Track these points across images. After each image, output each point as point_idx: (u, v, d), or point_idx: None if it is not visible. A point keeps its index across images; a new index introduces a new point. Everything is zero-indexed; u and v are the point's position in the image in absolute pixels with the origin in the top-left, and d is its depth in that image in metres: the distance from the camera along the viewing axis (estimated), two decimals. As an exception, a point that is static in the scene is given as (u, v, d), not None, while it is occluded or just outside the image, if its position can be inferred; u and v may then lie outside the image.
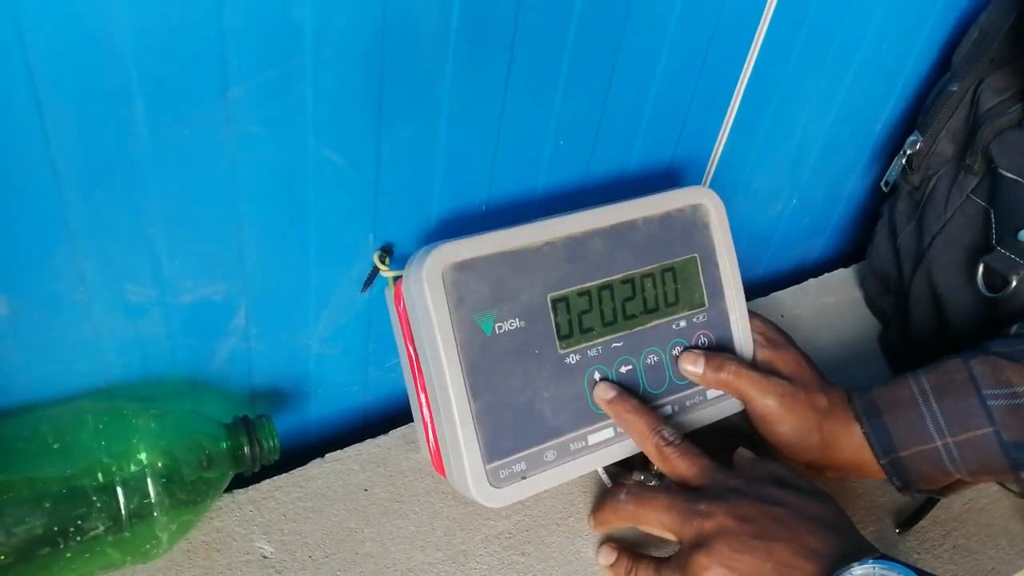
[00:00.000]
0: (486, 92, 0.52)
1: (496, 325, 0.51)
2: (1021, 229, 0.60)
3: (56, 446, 0.46)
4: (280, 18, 0.42)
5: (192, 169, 0.44)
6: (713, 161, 0.68)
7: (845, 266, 0.84)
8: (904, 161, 0.72)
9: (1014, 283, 0.59)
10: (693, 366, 0.57)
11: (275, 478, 0.56)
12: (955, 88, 0.68)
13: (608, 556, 0.54)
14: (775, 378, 0.57)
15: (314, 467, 0.57)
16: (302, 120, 0.46)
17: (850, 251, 0.87)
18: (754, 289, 0.77)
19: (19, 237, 0.43)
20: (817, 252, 0.86)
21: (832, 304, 0.79)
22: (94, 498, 0.45)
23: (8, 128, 0.39)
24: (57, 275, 0.45)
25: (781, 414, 0.55)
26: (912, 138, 0.71)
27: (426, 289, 0.49)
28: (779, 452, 0.57)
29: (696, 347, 0.58)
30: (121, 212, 0.44)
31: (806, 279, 0.82)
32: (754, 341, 0.60)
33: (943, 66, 0.73)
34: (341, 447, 0.60)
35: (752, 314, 0.61)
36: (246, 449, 0.51)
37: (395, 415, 0.64)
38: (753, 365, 0.58)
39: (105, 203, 0.43)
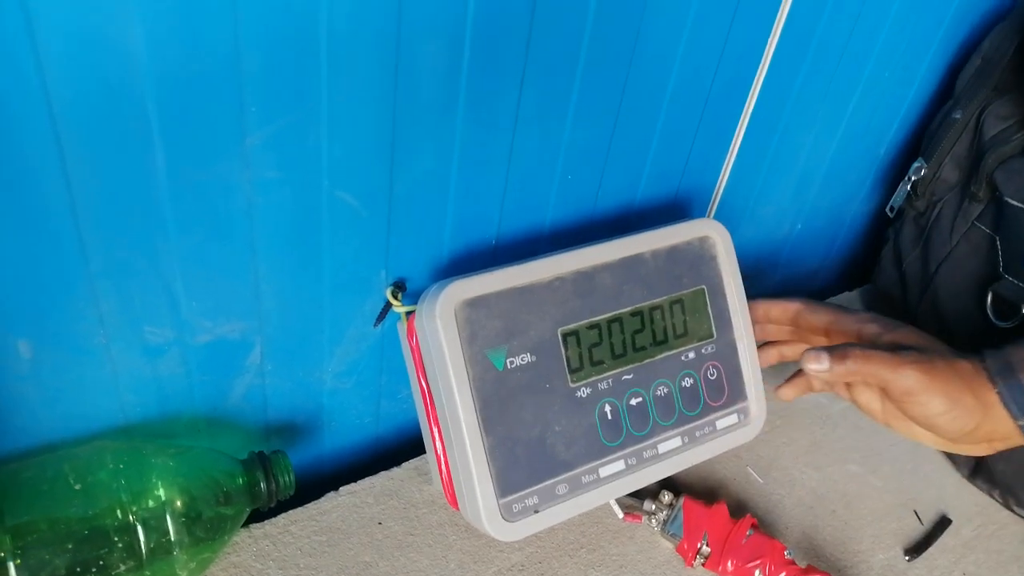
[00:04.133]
0: (496, 130, 0.52)
1: (508, 360, 0.52)
2: (1028, 257, 0.61)
3: (78, 487, 0.46)
4: (296, 65, 0.42)
5: (209, 213, 0.45)
6: (718, 190, 0.69)
7: (850, 289, 0.84)
8: (909, 187, 0.72)
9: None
10: (817, 364, 0.54)
11: (290, 512, 0.56)
12: (959, 116, 0.69)
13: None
14: (905, 351, 0.53)
15: (328, 500, 0.58)
16: (317, 163, 0.47)
17: (855, 275, 0.88)
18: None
19: (40, 281, 0.43)
20: (822, 276, 0.87)
21: (839, 328, 0.79)
22: (115, 538, 0.46)
23: (30, 173, 0.40)
24: (77, 318, 0.46)
25: (924, 382, 0.51)
26: (916, 164, 0.72)
27: (439, 326, 0.50)
28: (934, 433, 0.54)
29: (705, 377, 0.59)
30: (140, 255, 0.45)
31: (812, 303, 0.82)
32: (870, 325, 0.57)
33: (946, 93, 0.74)
34: (354, 478, 0.60)
35: (850, 310, 0.59)
36: (262, 485, 0.52)
37: (407, 446, 0.65)
38: (875, 347, 0.54)
39: (124, 247, 0.44)
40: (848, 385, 0.57)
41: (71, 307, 0.45)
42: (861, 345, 0.54)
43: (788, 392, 0.62)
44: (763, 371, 0.62)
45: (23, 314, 0.44)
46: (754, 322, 0.62)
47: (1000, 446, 0.54)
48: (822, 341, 0.60)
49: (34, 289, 0.44)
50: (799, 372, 0.60)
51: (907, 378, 0.52)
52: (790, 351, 0.63)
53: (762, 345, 0.63)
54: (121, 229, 0.43)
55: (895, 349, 0.53)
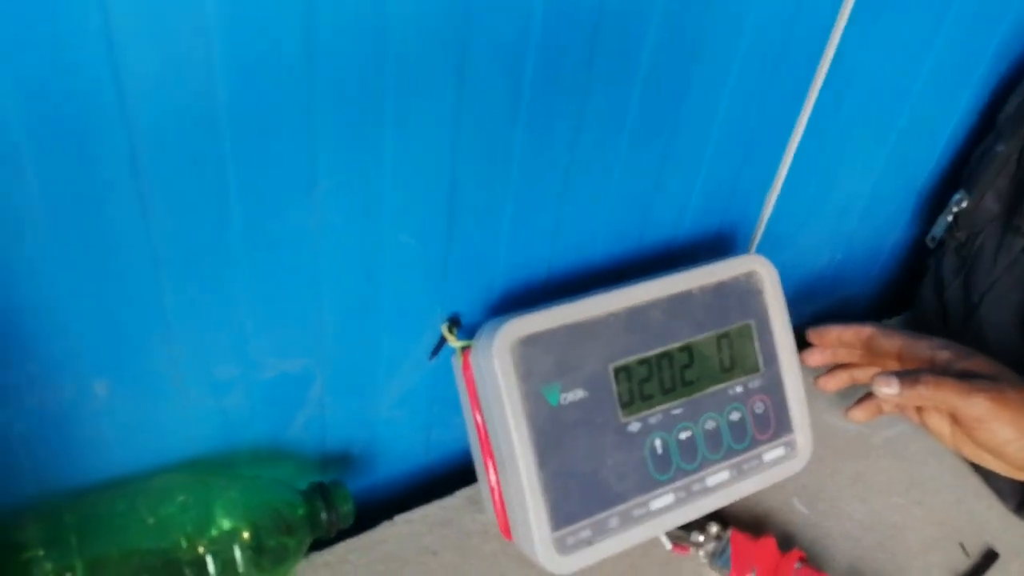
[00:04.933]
0: (549, 171, 0.54)
1: (561, 395, 0.53)
2: (1072, 291, 0.61)
3: (151, 521, 0.48)
4: (364, 119, 0.44)
5: (279, 257, 0.47)
6: (762, 222, 0.70)
7: (889, 316, 0.85)
8: (950, 218, 0.73)
9: (1068, 345, 0.60)
10: (887, 387, 0.55)
11: (348, 541, 0.58)
12: (1001, 149, 0.69)
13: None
14: (977, 379, 0.54)
15: (385, 529, 0.59)
16: (379, 209, 0.48)
17: (895, 303, 0.88)
18: (800, 342, 0.78)
19: (120, 324, 0.45)
20: (862, 304, 0.87)
21: (880, 357, 0.80)
22: (187, 570, 0.48)
23: (115, 225, 0.42)
24: (152, 358, 0.47)
25: (994, 411, 0.52)
26: (958, 196, 0.72)
27: (495, 363, 0.51)
28: (1003, 461, 0.55)
29: (752, 411, 0.60)
30: (213, 299, 0.47)
31: (852, 330, 0.83)
32: (943, 352, 0.58)
33: (985, 126, 0.74)
34: (405, 505, 0.62)
35: (922, 336, 0.60)
36: (323, 515, 0.53)
37: (456, 473, 0.66)
38: (947, 374, 0.55)
39: (199, 291, 0.46)
40: (918, 409, 0.58)
41: (146, 348, 0.47)
42: (933, 371, 0.55)
43: (859, 414, 0.63)
44: (833, 395, 0.63)
45: (101, 355, 0.46)
46: (827, 346, 0.64)
47: None
48: (894, 366, 0.61)
49: (113, 332, 0.45)
50: (869, 395, 0.61)
51: (977, 406, 0.52)
52: (861, 374, 0.64)
53: (833, 368, 0.65)
54: (197, 275, 0.45)
55: (966, 376, 0.54)
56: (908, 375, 0.55)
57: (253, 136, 0.42)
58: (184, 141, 0.41)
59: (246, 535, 0.50)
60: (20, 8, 0.34)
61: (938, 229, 0.75)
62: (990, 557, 0.63)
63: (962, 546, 0.64)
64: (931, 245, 0.76)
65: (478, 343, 0.53)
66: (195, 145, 0.41)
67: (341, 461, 0.61)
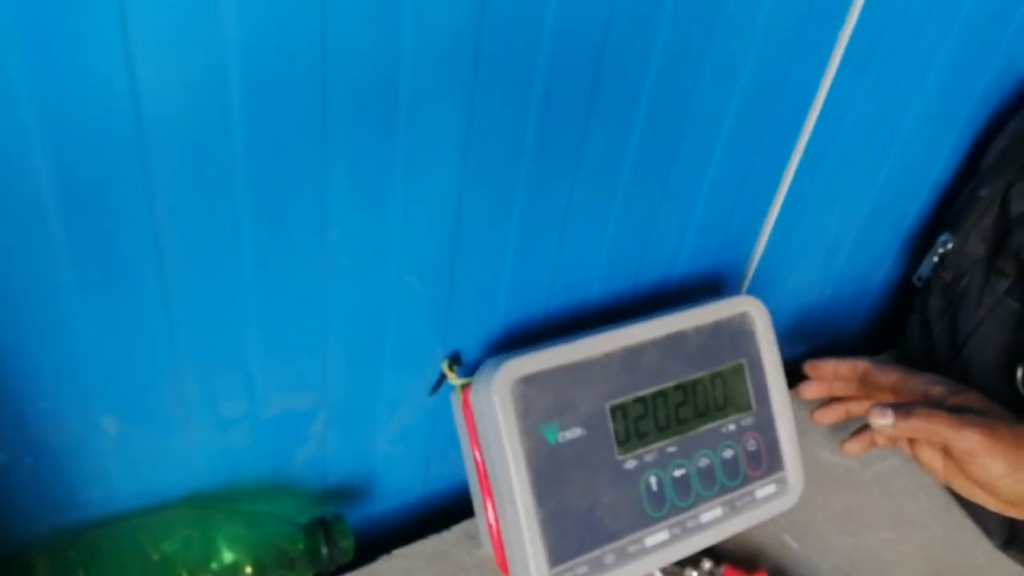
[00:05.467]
0: (550, 214, 0.56)
1: (560, 434, 0.54)
2: (1055, 333, 0.63)
3: (155, 557, 0.49)
4: (375, 168, 0.46)
5: (288, 298, 0.48)
6: (753, 262, 0.72)
7: (877, 353, 0.87)
8: (936, 259, 0.75)
9: (1052, 387, 0.62)
10: (882, 419, 0.57)
11: (347, 575, 0.59)
12: (985, 193, 0.71)
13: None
14: (969, 414, 0.55)
15: (383, 564, 0.60)
16: (387, 252, 0.50)
17: (881, 340, 0.90)
18: (789, 379, 0.80)
19: (130, 362, 0.46)
20: (848, 340, 0.89)
21: (868, 393, 0.82)
22: (191, 605, 0.48)
23: (129, 264, 0.43)
24: (161, 396, 0.49)
25: (986, 445, 0.54)
26: (943, 238, 0.74)
27: (495, 402, 0.52)
28: (993, 496, 0.56)
29: (745, 449, 0.61)
30: (222, 339, 0.48)
31: (841, 366, 0.85)
32: (937, 387, 0.59)
33: (970, 169, 0.76)
34: (403, 539, 0.63)
35: (916, 371, 0.62)
36: (324, 550, 0.54)
37: (454, 506, 0.67)
38: (940, 408, 0.57)
39: (209, 331, 0.47)
40: (911, 443, 0.60)
41: (156, 386, 0.48)
42: (926, 404, 0.57)
43: (853, 447, 0.65)
44: (825, 429, 0.64)
45: (111, 395, 0.47)
46: (823, 379, 0.65)
47: None
48: (889, 399, 0.62)
49: (123, 370, 0.47)
50: (863, 428, 0.63)
51: (969, 439, 0.54)
52: (856, 408, 0.65)
53: (829, 401, 0.66)
54: (208, 317, 0.46)
55: (959, 411, 0.56)
56: (902, 407, 0.56)
57: (267, 180, 0.43)
58: (199, 183, 0.42)
59: (248, 570, 0.51)
60: (43, 47, 0.35)
61: (925, 269, 0.77)
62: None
63: (949, 582, 0.66)
64: (918, 284, 0.78)
65: (478, 382, 0.54)
66: (210, 188, 0.42)
67: (341, 495, 0.62)
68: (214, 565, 0.51)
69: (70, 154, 0.38)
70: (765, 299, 0.64)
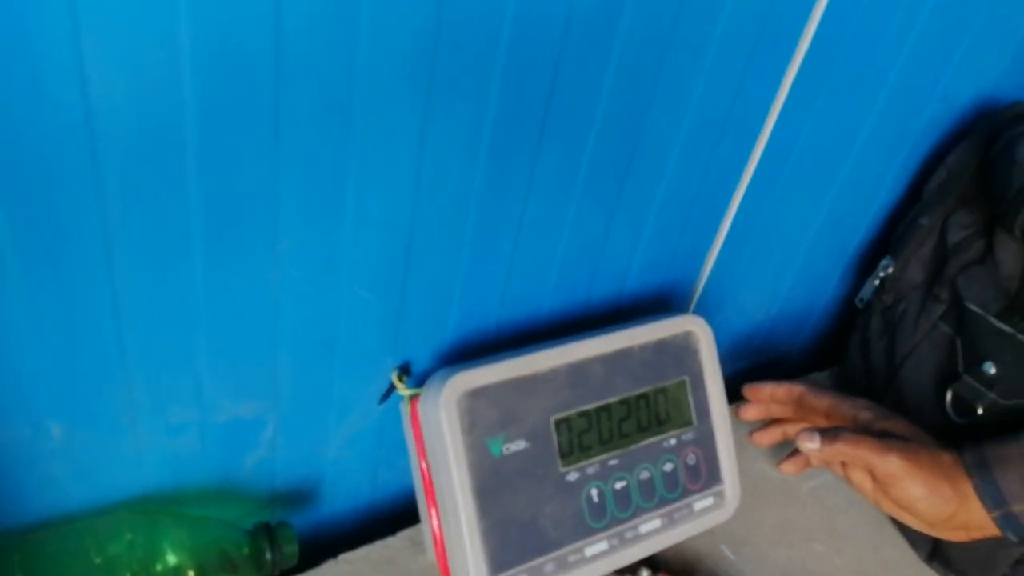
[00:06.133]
0: (501, 232, 0.57)
1: (504, 446, 0.56)
2: (986, 360, 0.66)
3: (98, 560, 0.49)
4: (328, 182, 0.47)
5: (239, 309, 0.49)
6: (701, 281, 0.74)
7: (820, 370, 0.89)
8: (877, 282, 0.78)
9: (980, 411, 0.65)
10: (810, 443, 0.60)
11: (292, 579, 0.60)
12: (925, 221, 0.74)
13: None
14: (892, 439, 0.58)
15: (328, 568, 0.61)
16: (339, 264, 0.51)
17: (824, 357, 0.93)
18: (733, 392, 0.82)
19: (78, 368, 0.47)
20: (793, 358, 0.92)
21: (809, 409, 0.84)
22: (133, 608, 0.49)
23: (78, 269, 0.43)
24: (109, 402, 0.49)
25: (907, 469, 0.56)
26: (885, 262, 0.77)
27: (442, 414, 0.54)
28: (914, 517, 0.59)
29: (685, 463, 0.63)
30: (172, 347, 0.49)
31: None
32: (865, 413, 0.62)
33: (914, 194, 0.79)
34: (352, 543, 0.64)
35: (848, 396, 0.65)
36: (268, 555, 0.55)
37: (402, 512, 0.68)
38: (867, 433, 0.60)
39: (159, 338, 0.48)
40: (843, 465, 0.62)
41: (104, 393, 0.48)
42: (851, 429, 0.60)
43: (789, 468, 0.69)
44: (767, 449, 0.68)
45: (59, 399, 0.47)
46: (761, 402, 0.69)
47: (976, 535, 0.59)
48: (822, 422, 0.65)
49: (71, 377, 0.47)
50: (798, 450, 0.65)
51: (890, 464, 0.57)
52: (792, 430, 0.69)
53: (768, 424, 0.70)
54: (158, 326, 0.47)
55: (884, 436, 0.59)
56: (829, 432, 0.60)
57: (218, 190, 0.44)
58: (151, 191, 0.43)
59: (191, 574, 0.51)
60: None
61: (866, 292, 0.80)
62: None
63: (876, 595, 0.68)
64: (859, 306, 0.81)
65: (426, 394, 0.55)
66: (161, 195, 0.43)
67: (288, 500, 0.62)
68: (158, 568, 0.51)
69: (20, 161, 0.39)
70: (712, 316, 0.66)
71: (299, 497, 0.63)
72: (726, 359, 0.67)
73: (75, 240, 0.42)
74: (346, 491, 0.65)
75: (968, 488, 0.56)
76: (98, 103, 0.38)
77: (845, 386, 0.83)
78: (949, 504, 0.57)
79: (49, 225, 0.41)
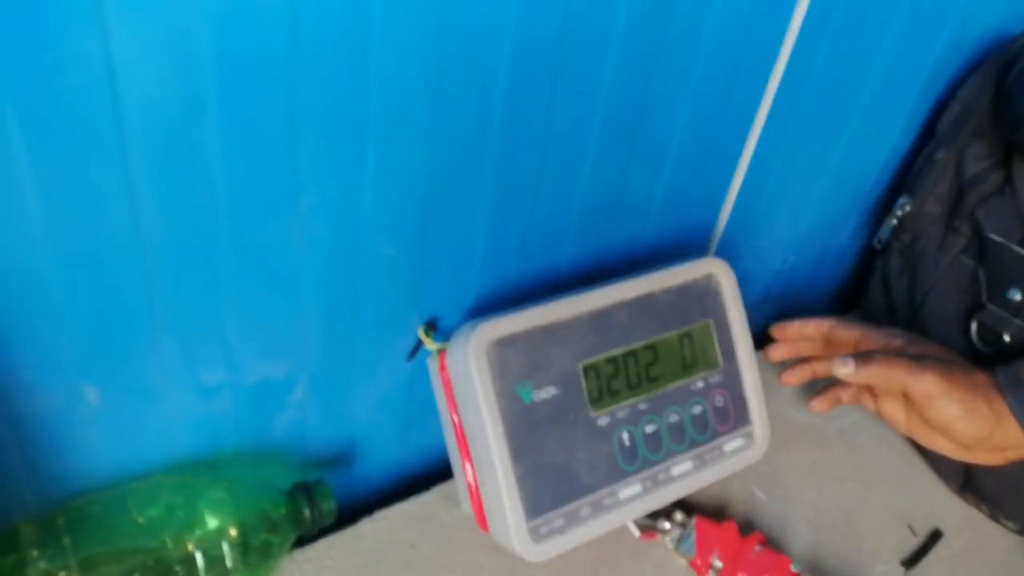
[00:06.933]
0: (520, 183, 0.57)
1: (534, 393, 0.56)
2: (1010, 288, 0.66)
3: (140, 520, 0.50)
4: (346, 133, 0.47)
5: (264, 266, 0.49)
6: (719, 227, 0.74)
7: (840, 315, 0.89)
8: (895, 221, 0.77)
9: (1007, 338, 0.65)
10: (844, 367, 0.59)
11: (330, 537, 0.60)
12: (940, 156, 0.74)
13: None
14: (927, 360, 0.58)
15: (364, 525, 0.62)
16: (361, 219, 0.51)
17: (844, 302, 0.93)
18: (757, 339, 0.82)
19: (111, 332, 0.47)
20: (813, 303, 0.91)
21: (832, 353, 0.84)
22: (177, 567, 0.50)
23: (108, 234, 0.44)
24: (141, 365, 0.49)
25: (943, 387, 0.56)
26: (902, 200, 0.77)
27: (471, 363, 0.54)
28: (951, 439, 0.58)
29: (713, 405, 0.63)
30: (201, 307, 0.49)
31: (806, 329, 0.87)
32: (897, 339, 0.62)
33: (927, 134, 0.79)
34: (384, 504, 0.64)
35: (878, 326, 0.64)
36: (307, 512, 0.56)
37: (433, 471, 0.68)
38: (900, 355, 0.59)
39: (188, 300, 0.48)
40: (875, 397, 0.62)
41: (136, 355, 0.49)
42: (886, 352, 0.59)
43: (819, 405, 0.68)
44: (794, 388, 0.69)
45: (92, 362, 0.48)
46: (789, 340, 0.68)
47: (1012, 456, 0.59)
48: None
49: (104, 339, 0.47)
50: (829, 385, 0.66)
51: (927, 383, 0.57)
52: (822, 367, 0.68)
53: (798, 362, 0.69)
54: (186, 286, 0.47)
55: (918, 358, 0.58)
56: (863, 355, 0.59)
57: (241, 149, 0.44)
58: (175, 153, 0.43)
59: (233, 533, 0.52)
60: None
61: (884, 232, 0.79)
62: (935, 536, 0.67)
63: (910, 527, 0.68)
64: (878, 247, 0.81)
65: (454, 345, 0.55)
66: (185, 158, 0.43)
67: (322, 461, 0.63)
68: (199, 530, 0.52)
69: (46, 127, 0.39)
70: (732, 263, 0.66)
71: (331, 459, 0.64)
72: (747, 309, 0.67)
73: (103, 202, 0.43)
74: (377, 452, 0.66)
75: (1003, 407, 0.56)
76: (120, 59, 0.39)
77: (867, 328, 0.83)
78: (986, 423, 0.56)
79: (77, 187, 0.42)
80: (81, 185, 0.42)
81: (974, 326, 0.68)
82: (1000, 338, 0.65)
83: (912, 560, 0.66)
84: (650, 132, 0.61)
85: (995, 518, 0.69)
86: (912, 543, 0.67)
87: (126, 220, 0.44)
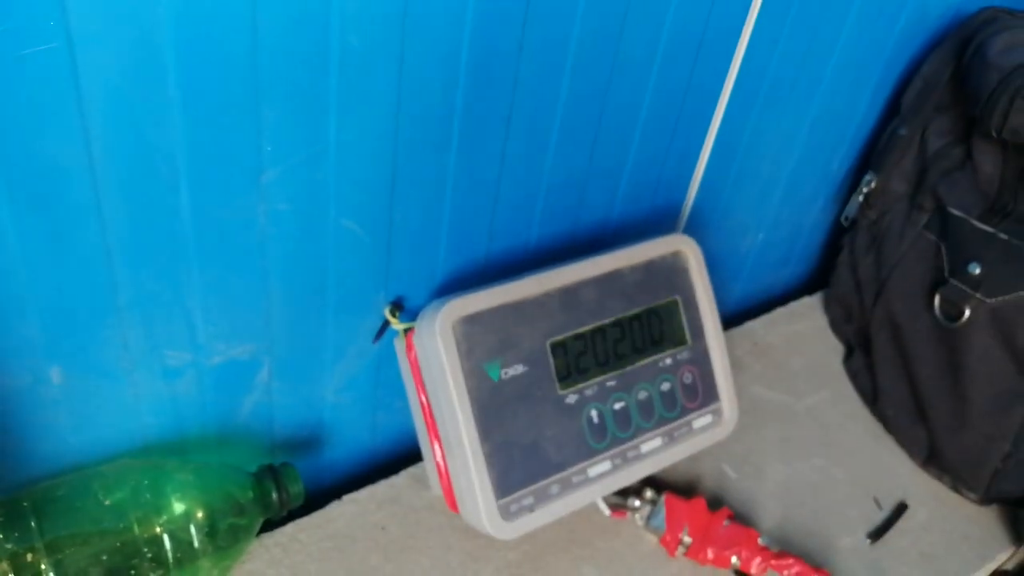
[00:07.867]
0: (486, 160, 0.57)
1: (502, 371, 0.56)
2: (970, 262, 0.67)
3: (107, 503, 0.49)
4: (308, 110, 0.46)
5: (227, 245, 0.49)
6: (687, 205, 0.74)
7: (810, 294, 0.90)
8: (861, 198, 0.78)
9: (967, 313, 0.65)
10: None
11: (298, 521, 0.60)
12: (904, 132, 0.75)
13: None
14: None
15: (333, 508, 0.61)
16: (325, 196, 0.51)
17: (814, 280, 0.94)
18: (727, 319, 0.83)
19: (74, 313, 0.47)
20: (783, 282, 0.92)
21: (800, 331, 0.85)
22: (145, 549, 0.49)
23: (69, 213, 0.43)
24: (105, 345, 0.49)
25: None
26: (868, 177, 0.78)
27: (439, 342, 0.54)
28: None
29: (681, 381, 0.64)
30: (164, 286, 0.48)
31: (774, 308, 0.88)
32: None
33: (892, 110, 0.80)
34: (353, 487, 0.64)
35: None
36: (274, 495, 0.55)
37: (402, 454, 0.68)
38: None
39: (151, 279, 0.48)
40: None
41: (100, 335, 0.48)
42: None
43: None
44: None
45: (56, 343, 0.47)
46: None
47: None
48: None
49: (67, 319, 0.47)
50: None
51: None
52: None
53: None
54: (149, 264, 0.47)
55: None
56: None
57: (202, 126, 0.44)
58: (135, 131, 0.42)
59: (200, 516, 0.52)
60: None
61: (851, 209, 0.80)
62: (901, 509, 0.68)
63: (876, 500, 0.69)
64: (845, 224, 0.82)
65: (421, 324, 0.55)
66: (146, 131, 0.43)
67: (289, 445, 0.63)
68: (166, 513, 0.51)
69: (3, 100, 0.38)
70: (700, 241, 0.66)
71: (299, 443, 0.63)
72: (717, 288, 0.67)
73: (64, 180, 0.42)
74: (345, 435, 0.66)
75: None
76: (79, 30, 0.38)
77: (835, 306, 0.84)
78: None
79: (35, 161, 0.41)
80: (40, 160, 0.41)
81: (937, 300, 0.68)
82: (961, 313, 0.66)
83: (878, 533, 0.67)
84: (616, 108, 0.61)
85: (957, 489, 0.71)
86: (878, 516, 0.68)
87: (87, 195, 0.43)
